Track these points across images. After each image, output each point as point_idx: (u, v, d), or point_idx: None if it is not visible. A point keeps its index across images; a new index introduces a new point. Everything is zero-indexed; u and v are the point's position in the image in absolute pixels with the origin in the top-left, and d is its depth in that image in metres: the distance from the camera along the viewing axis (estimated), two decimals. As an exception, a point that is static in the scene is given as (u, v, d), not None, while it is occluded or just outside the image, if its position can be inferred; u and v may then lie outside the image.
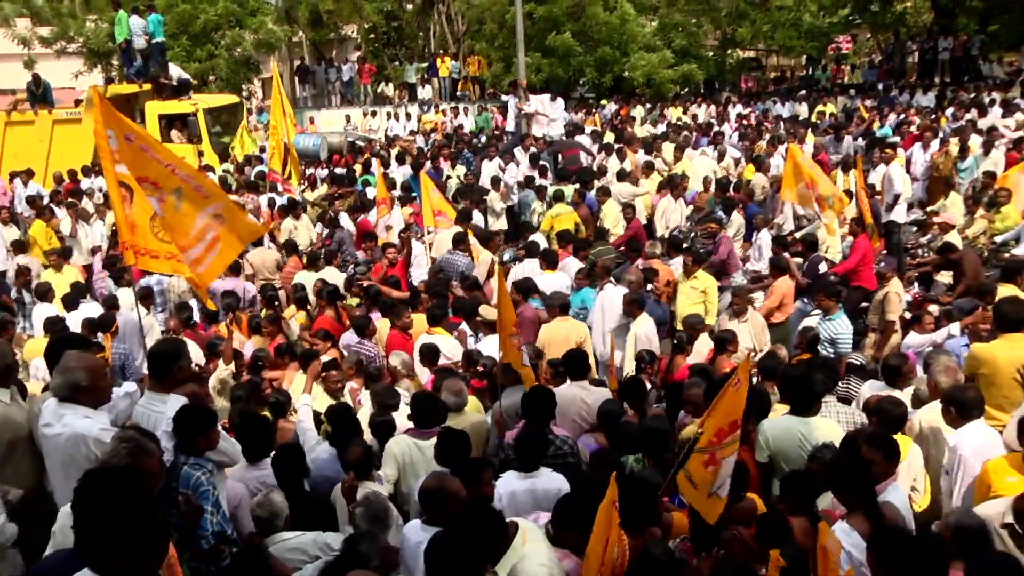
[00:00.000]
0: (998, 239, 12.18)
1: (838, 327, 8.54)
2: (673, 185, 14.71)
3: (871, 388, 6.81)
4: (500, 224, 15.59)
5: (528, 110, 20.17)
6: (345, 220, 14.33)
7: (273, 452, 5.45)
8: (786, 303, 9.96)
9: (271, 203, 15.19)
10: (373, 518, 4.81)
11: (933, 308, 9.10)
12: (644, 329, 8.76)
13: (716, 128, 22.39)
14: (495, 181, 16.11)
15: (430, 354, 8.08)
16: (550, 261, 10.62)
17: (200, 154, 20.49)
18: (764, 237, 12.02)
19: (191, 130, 20.70)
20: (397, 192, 15.03)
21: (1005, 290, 8.21)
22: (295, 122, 14.96)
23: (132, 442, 3.98)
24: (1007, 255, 11.50)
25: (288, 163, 14.64)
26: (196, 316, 10.21)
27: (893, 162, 12.72)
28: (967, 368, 6.38)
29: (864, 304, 10.20)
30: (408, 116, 29.60)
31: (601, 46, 30.13)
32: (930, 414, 5.83)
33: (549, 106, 20.36)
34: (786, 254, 11.06)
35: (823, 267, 10.93)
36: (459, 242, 11.23)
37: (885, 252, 12.23)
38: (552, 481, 5.20)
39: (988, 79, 29.85)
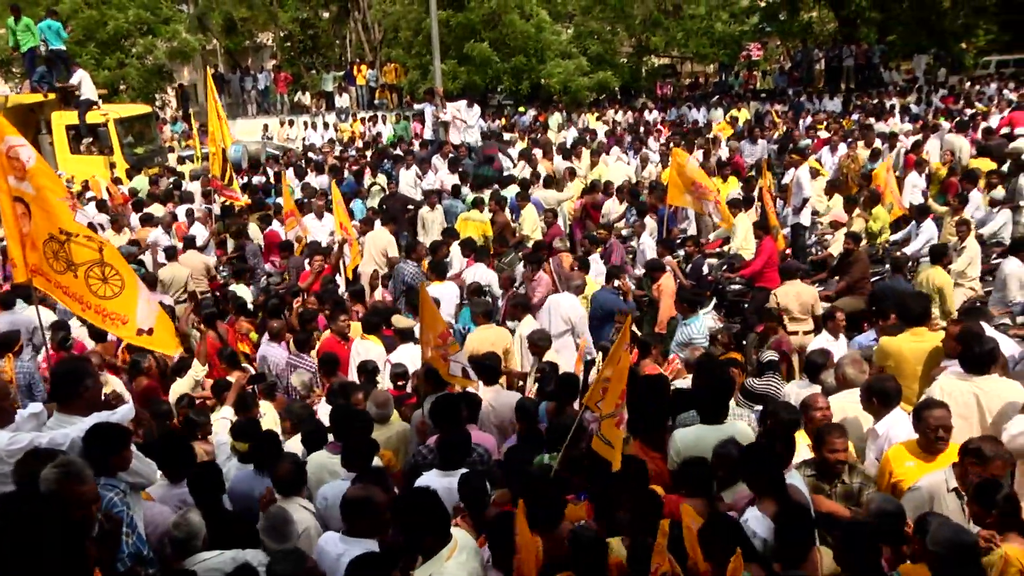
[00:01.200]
0: (893, 237, 12.74)
1: (693, 331, 8.77)
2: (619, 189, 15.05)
3: (797, 385, 7.07)
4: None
5: (445, 117, 20.18)
6: (254, 231, 14.17)
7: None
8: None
9: (189, 213, 15.00)
10: (271, 530, 4.79)
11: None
12: (528, 330, 8.86)
13: (646, 131, 22.81)
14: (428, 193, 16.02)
15: (368, 372, 8.02)
16: (439, 272, 10.75)
17: (112, 166, 19.99)
18: (647, 241, 12.41)
19: (102, 141, 20.17)
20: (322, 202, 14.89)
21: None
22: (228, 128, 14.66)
23: (65, 468, 3.88)
24: (897, 253, 12.10)
25: (227, 169, 14.40)
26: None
27: (802, 166, 13.11)
28: (876, 361, 6.63)
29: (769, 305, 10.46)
30: (326, 125, 29.33)
31: (517, 54, 30.25)
32: (837, 404, 6.00)
33: (466, 112, 20.38)
34: (669, 256, 11.40)
35: (706, 268, 11.38)
36: (411, 250, 11.16)
37: (790, 254, 12.63)
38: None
39: (888, 85, 31.09)
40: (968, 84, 30.22)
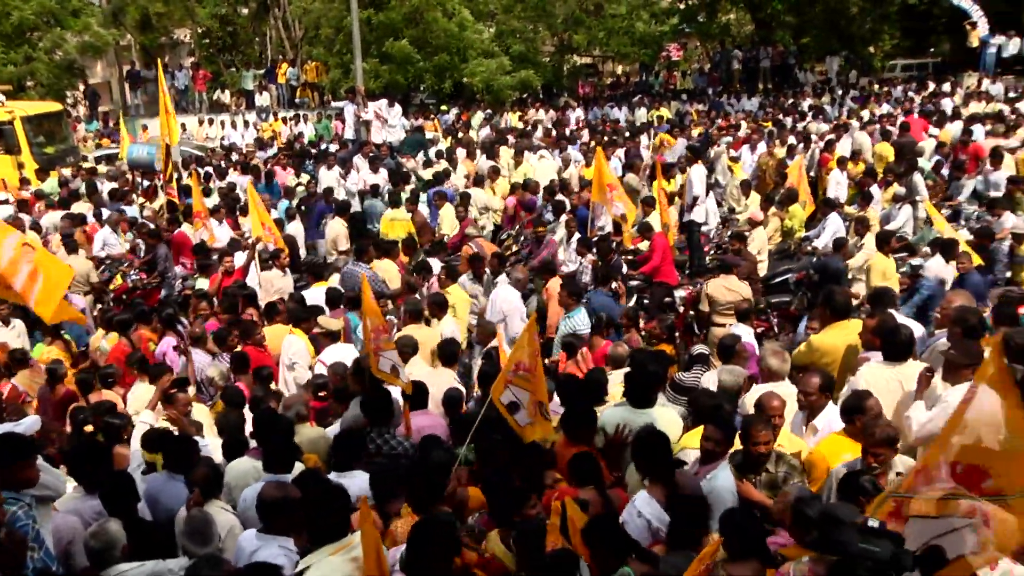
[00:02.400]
0: (809, 233, 13.12)
1: (577, 323, 8.92)
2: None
3: (727, 372, 7.05)
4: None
5: (367, 116, 20.05)
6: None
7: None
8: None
9: (97, 215, 14.62)
10: (192, 534, 4.74)
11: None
12: (449, 328, 8.98)
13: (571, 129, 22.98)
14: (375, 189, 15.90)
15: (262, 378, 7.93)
16: (315, 275, 10.83)
17: (20, 166, 19.35)
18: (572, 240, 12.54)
19: (7, 140, 19.49)
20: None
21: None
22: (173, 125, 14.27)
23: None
24: (809, 248, 12.63)
25: (170, 167, 14.05)
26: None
27: (694, 166, 13.35)
28: (804, 358, 6.76)
29: (668, 299, 10.67)
30: (246, 124, 28.83)
31: (440, 52, 30.16)
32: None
33: (387, 111, 20.28)
34: (590, 255, 11.53)
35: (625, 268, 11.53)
36: (362, 253, 11.07)
37: (686, 250, 12.92)
38: (361, 483, 5.36)
39: (803, 86, 31.98)
40: (876, 85, 31.33)
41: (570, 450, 5.52)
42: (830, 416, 5.69)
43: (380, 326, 6.75)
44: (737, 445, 5.40)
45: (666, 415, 6.00)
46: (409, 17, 29.90)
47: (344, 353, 8.29)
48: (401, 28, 29.89)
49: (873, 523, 2.94)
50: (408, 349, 7.93)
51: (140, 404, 7.44)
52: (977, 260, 9.67)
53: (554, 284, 10.16)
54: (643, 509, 4.67)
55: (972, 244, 10.20)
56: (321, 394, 7.66)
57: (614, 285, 10.09)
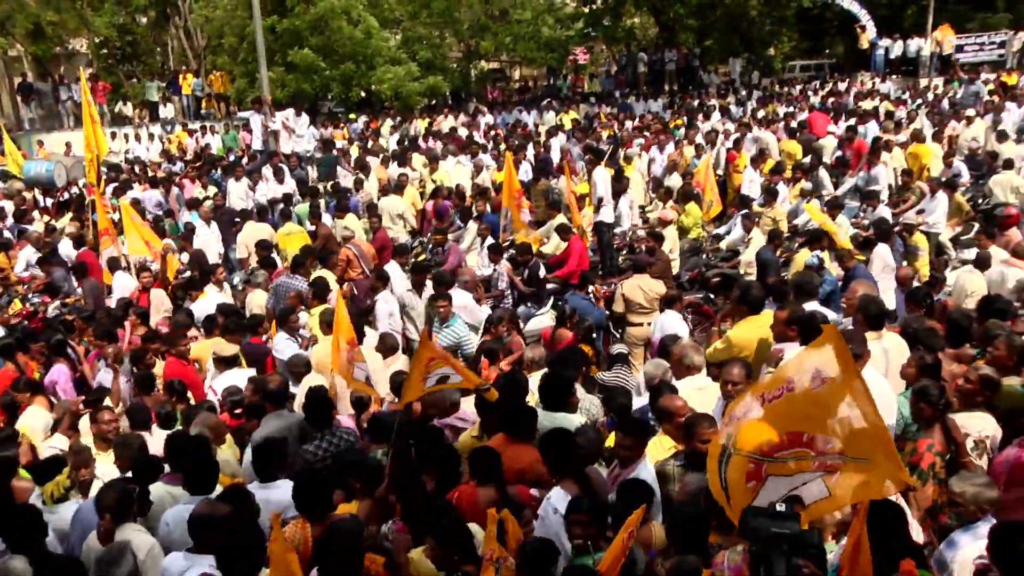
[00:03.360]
0: (719, 231, 13.43)
1: (458, 331, 9.02)
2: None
3: (653, 365, 7.21)
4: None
5: (274, 127, 19.70)
6: (67, 247, 13.44)
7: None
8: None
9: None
10: (107, 564, 4.62)
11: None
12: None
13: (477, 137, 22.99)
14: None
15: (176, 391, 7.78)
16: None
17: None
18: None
19: None
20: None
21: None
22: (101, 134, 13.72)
23: None
24: (719, 245, 13.10)
25: (102, 182, 13.54)
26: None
27: (597, 168, 13.54)
28: (723, 353, 6.88)
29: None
30: (151, 137, 28.00)
31: (346, 60, 29.83)
32: (684, 392, 6.24)
33: (294, 121, 19.98)
34: (504, 261, 11.62)
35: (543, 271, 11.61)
36: (299, 266, 10.97)
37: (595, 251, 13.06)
38: (285, 493, 5.33)
39: (708, 87, 32.75)
40: (778, 85, 32.34)
41: (512, 448, 5.58)
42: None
43: (352, 338, 6.76)
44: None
45: (569, 419, 6.09)
46: (314, 25, 29.48)
47: (238, 378, 8.12)
48: (306, 36, 29.43)
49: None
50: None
51: (34, 429, 7.16)
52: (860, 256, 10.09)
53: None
54: (558, 505, 4.80)
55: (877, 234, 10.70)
56: (237, 411, 7.50)
57: (591, 288, 10.10)
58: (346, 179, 17.82)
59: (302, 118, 20.78)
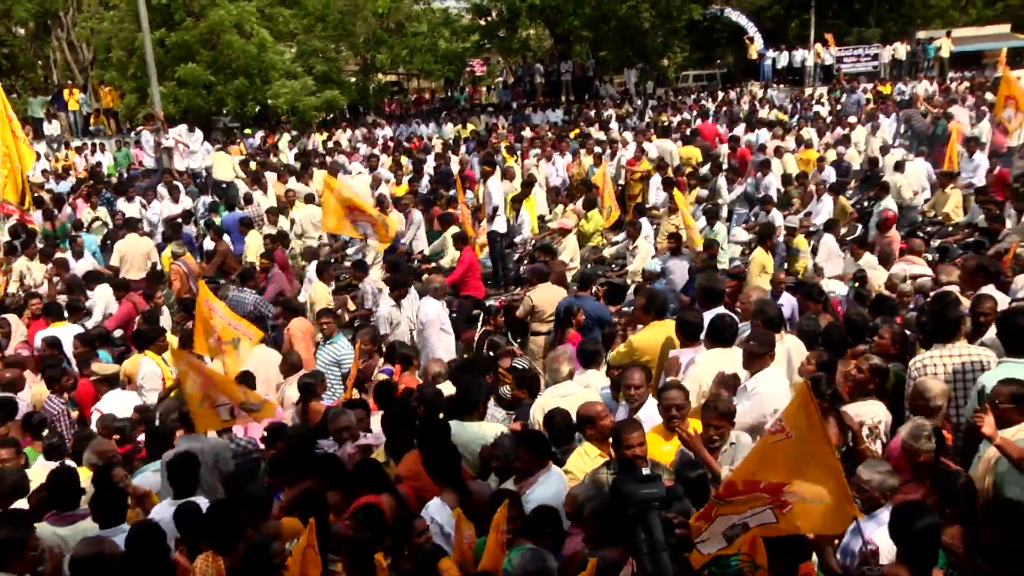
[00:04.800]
0: (617, 237, 13.68)
1: (340, 348, 8.96)
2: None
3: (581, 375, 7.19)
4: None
5: (167, 143, 19.16)
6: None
7: None
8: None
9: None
10: None
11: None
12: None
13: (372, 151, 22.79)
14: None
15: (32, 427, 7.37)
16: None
17: None
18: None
19: None
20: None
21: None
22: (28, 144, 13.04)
23: None
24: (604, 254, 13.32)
25: (26, 193, 12.84)
26: None
27: (491, 177, 13.69)
28: (625, 357, 6.93)
29: (476, 311, 10.85)
30: (37, 156, 26.76)
31: (240, 74, 29.23)
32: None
33: (188, 137, 19.46)
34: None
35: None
36: (247, 278, 10.75)
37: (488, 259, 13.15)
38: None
39: (604, 97, 33.34)
40: (672, 95, 33.19)
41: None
42: (651, 410, 5.92)
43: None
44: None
45: (491, 427, 6.15)
46: (205, 38, 28.80)
47: (124, 400, 7.88)
48: (197, 49, 28.75)
49: (646, 471, 3.56)
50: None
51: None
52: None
53: (297, 324, 9.78)
54: (436, 516, 4.85)
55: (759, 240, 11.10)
56: (116, 437, 7.13)
57: (594, 288, 10.01)
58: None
59: (195, 133, 20.26)
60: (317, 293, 10.73)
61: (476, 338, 9.34)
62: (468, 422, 6.16)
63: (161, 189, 17.12)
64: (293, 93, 29.39)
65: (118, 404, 7.72)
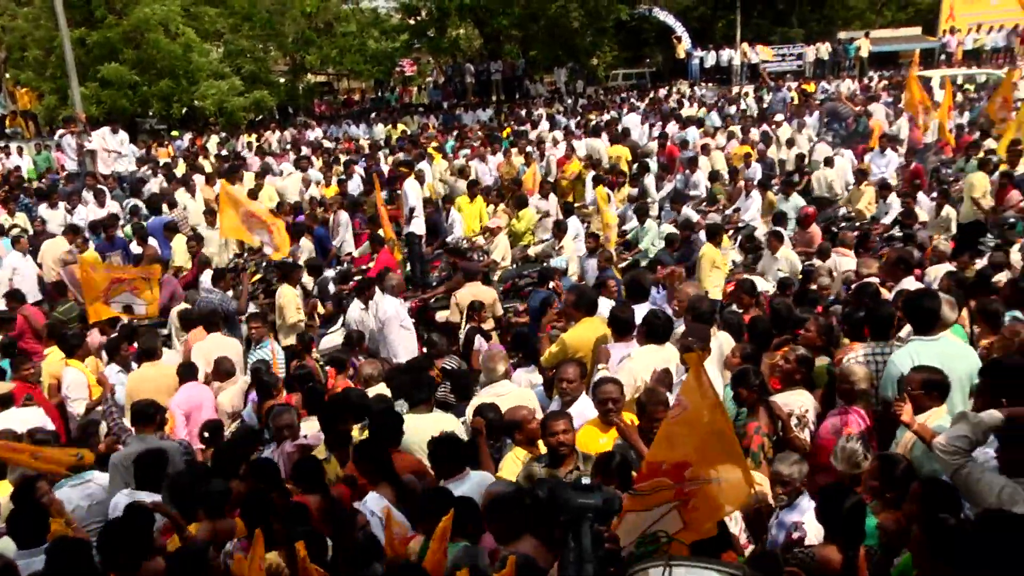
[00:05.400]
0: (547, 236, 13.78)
1: (268, 354, 8.92)
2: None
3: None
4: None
5: (91, 146, 18.68)
6: None
7: None
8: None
9: None
10: None
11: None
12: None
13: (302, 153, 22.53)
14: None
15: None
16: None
17: None
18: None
19: None
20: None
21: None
22: None
23: None
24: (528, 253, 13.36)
25: None
26: None
27: (407, 179, 13.70)
28: (559, 355, 6.98)
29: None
30: (-53, 160, 25.90)
31: (165, 75, 28.63)
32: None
33: (112, 140, 19.01)
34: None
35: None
36: (219, 279, 10.66)
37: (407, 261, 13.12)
38: None
39: (535, 97, 33.53)
40: (602, 93, 33.52)
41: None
42: (584, 405, 5.99)
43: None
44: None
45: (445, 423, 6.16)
46: (128, 37, 28.13)
47: (25, 417, 7.57)
48: (120, 49, 28.07)
49: (585, 480, 3.57)
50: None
51: None
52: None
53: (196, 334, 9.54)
54: (374, 508, 4.90)
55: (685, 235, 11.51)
56: None
57: (552, 284, 9.98)
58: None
59: (120, 135, 19.79)
60: (285, 296, 10.49)
61: (463, 335, 9.35)
62: (421, 414, 6.18)
63: (86, 194, 16.68)
64: (221, 94, 28.93)
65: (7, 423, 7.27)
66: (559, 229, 12.73)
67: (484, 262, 12.71)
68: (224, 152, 24.28)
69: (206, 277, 11.16)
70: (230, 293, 10.93)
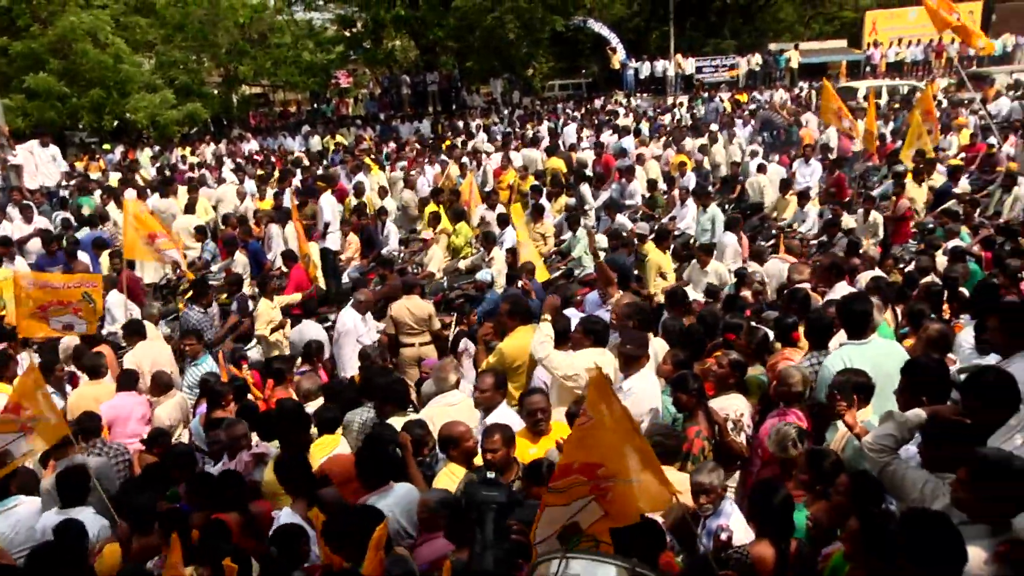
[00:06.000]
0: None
1: (201, 371, 8.87)
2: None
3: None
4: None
5: (15, 160, 18.17)
6: None
7: None
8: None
9: None
10: None
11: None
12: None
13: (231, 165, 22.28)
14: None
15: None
16: None
17: None
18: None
19: None
20: None
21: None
22: None
23: None
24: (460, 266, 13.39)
25: None
26: None
27: (324, 194, 13.65)
28: (496, 365, 7.02)
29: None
30: None
31: (94, 86, 27.97)
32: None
33: (39, 153, 18.52)
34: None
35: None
36: (199, 297, 10.56)
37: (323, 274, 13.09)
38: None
39: (471, 108, 33.62)
40: (539, 104, 33.77)
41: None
42: (502, 414, 6.05)
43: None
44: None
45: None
46: (54, 47, 27.42)
47: None
48: (46, 59, 27.37)
49: (491, 475, 3.66)
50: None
51: None
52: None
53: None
54: (286, 518, 4.97)
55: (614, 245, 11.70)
56: None
57: (520, 283, 10.13)
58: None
59: (49, 149, 19.29)
60: (261, 307, 10.49)
61: (451, 339, 9.38)
62: (399, 418, 6.26)
63: (11, 209, 16.22)
64: (153, 106, 28.38)
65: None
66: (487, 240, 12.76)
67: (420, 274, 12.71)
68: (158, 165, 23.84)
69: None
70: (213, 310, 10.86)
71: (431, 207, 15.00)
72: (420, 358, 9.48)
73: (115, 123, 30.12)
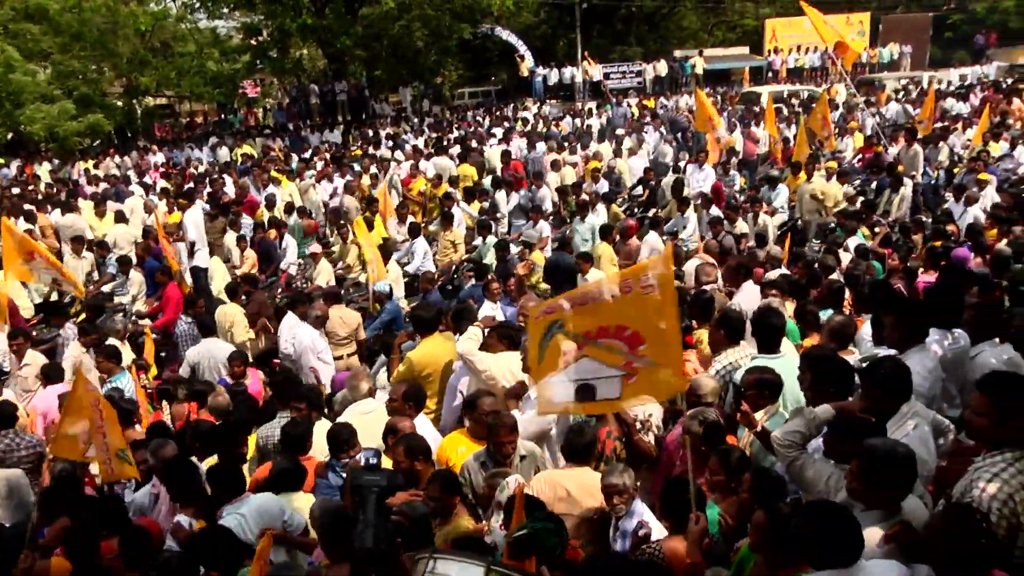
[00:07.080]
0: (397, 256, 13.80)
1: (123, 383, 8.69)
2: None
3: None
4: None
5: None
6: None
7: None
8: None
9: None
10: None
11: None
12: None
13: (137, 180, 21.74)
14: None
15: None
16: None
17: None
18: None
19: None
20: None
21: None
22: None
23: None
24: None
25: None
26: None
27: (188, 210, 13.63)
28: (406, 374, 7.05)
29: None
30: None
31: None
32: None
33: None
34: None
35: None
36: (192, 304, 10.54)
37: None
38: None
39: (380, 117, 33.51)
40: (449, 112, 33.83)
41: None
42: (418, 424, 6.06)
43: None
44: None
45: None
46: (-60, 57, 26.36)
47: None
48: (-71, 69, 26.21)
49: (372, 460, 3.88)
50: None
51: None
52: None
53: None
54: (230, 521, 5.04)
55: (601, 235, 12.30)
56: None
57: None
58: None
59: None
60: (234, 315, 10.38)
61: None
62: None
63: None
64: (50, 118, 27.47)
65: None
66: (383, 250, 12.69)
67: (309, 288, 12.47)
68: (59, 179, 23.06)
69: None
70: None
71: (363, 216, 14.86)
72: (348, 368, 9.39)
73: (9, 135, 29.02)
